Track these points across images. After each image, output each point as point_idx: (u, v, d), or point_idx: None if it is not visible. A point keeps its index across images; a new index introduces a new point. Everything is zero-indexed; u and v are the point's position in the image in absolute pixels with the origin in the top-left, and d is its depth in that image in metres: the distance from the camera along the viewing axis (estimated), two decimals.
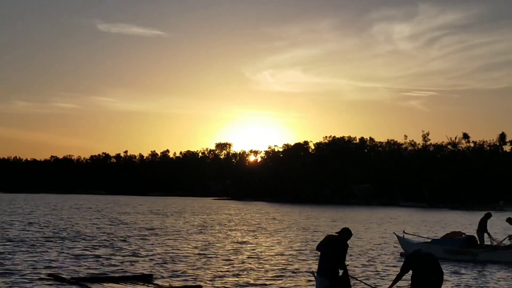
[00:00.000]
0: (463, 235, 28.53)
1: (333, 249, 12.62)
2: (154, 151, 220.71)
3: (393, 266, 24.45)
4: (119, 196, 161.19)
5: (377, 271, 22.84)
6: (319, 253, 12.96)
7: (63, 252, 25.71)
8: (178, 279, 19.24)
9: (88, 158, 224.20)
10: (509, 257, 26.34)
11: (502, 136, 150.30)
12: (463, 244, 27.50)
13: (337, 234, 12.92)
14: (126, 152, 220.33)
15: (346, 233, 12.85)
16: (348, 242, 12.88)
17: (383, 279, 20.60)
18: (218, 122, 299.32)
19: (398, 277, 12.35)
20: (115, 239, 32.70)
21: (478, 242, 27.98)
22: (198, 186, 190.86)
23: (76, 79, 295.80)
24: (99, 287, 16.93)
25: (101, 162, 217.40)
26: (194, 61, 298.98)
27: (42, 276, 18.91)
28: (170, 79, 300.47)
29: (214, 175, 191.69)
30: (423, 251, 12.47)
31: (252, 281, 18.87)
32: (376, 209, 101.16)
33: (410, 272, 12.07)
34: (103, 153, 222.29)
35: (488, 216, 28.72)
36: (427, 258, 12.16)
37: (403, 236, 30.22)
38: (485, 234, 28.33)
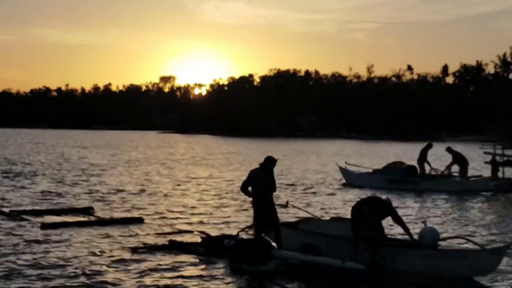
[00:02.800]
0: (404, 165, 29.03)
1: (265, 177, 12.54)
2: (96, 84, 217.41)
3: (336, 196, 24.79)
4: (61, 130, 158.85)
5: (319, 201, 23.12)
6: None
7: (3, 186, 25.25)
8: (119, 212, 19.11)
9: (28, 91, 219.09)
10: (448, 186, 26.98)
11: (445, 68, 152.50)
12: (404, 173, 27.99)
13: (260, 166, 12.76)
14: (67, 85, 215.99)
15: (270, 162, 12.72)
16: (275, 171, 12.84)
17: (324, 209, 20.86)
18: (162, 55, 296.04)
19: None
20: (57, 173, 32.25)
21: (419, 172, 28.52)
22: (142, 120, 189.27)
23: (12, 9, 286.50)
24: (40, 219, 16.76)
25: (41, 95, 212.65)
26: None
27: None
28: (112, 10, 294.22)
29: (159, 108, 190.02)
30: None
31: (194, 217, 18.86)
32: (320, 141, 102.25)
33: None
34: (43, 86, 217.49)
35: (429, 146, 29.20)
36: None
37: (345, 167, 30.61)
38: (426, 164, 28.88)
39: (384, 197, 12.91)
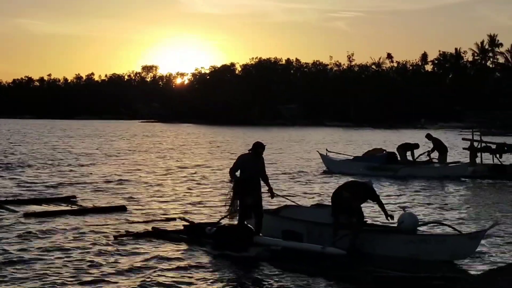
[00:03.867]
0: (384, 152, 29.30)
1: (255, 162, 12.70)
2: (79, 74, 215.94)
3: (317, 183, 25.01)
4: (44, 120, 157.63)
5: (300, 188, 23.32)
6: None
7: None
8: (102, 200, 19.17)
9: (10, 82, 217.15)
10: (428, 172, 27.27)
11: (424, 56, 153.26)
12: (384, 160, 28.25)
13: (250, 152, 12.91)
14: (49, 75, 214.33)
15: (259, 147, 12.82)
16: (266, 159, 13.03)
17: (305, 196, 21.05)
18: (144, 45, 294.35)
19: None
20: (41, 163, 32.15)
21: (399, 158, 28.78)
22: (125, 109, 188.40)
23: None
24: (22, 209, 16.76)
25: (24, 85, 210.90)
26: None
27: None
28: (89, 1, 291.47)
29: (141, 98, 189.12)
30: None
31: (177, 205, 18.97)
32: (302, 129, 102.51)
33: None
34: (25, 76, 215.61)
35: (416, 146, 29.00)
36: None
37: (326, 154, 30.83)
38: (406, 157, 28.97)
39: (365, 179, 13.16)
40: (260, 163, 12.78)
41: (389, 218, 12.42)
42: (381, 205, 12.50)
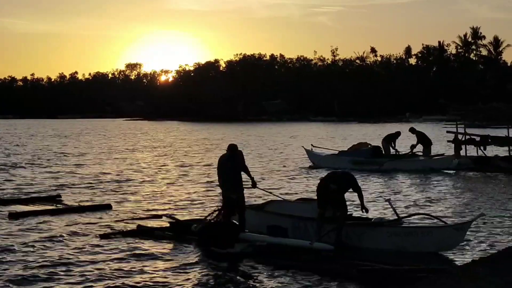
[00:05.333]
0: (369, 146, 29.39)
1: (231, 163, 12.77)
2: (62, 73, 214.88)
3: (302, 178, 25.04)
4: (29, 120, 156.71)
5: (285, 183, 23.35)
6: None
7: None
8: (88, 199, 19.09)
9: None
10: (412, 165, 27.38)
11: (408, 50, 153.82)
12: (369, 154, 28.33)
13: (229, 152, 12.95)
14: (33, 75, 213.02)
15: (233, 148, 12.88)
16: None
17: (291, 191, 21.08)
18: (128, 42, 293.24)
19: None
20: (26, 163, 31.96)
21: (384, 152, 28.89)
22: (110, 107, 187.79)
23: None
24: (7, 209, 16.68)
25: (7, 86, 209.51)
26: None
27: None
28: None
29: (126, 96, 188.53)
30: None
31: (163, 203, 18.94)
32: (287, 124, 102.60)
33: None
34: (9, 76, 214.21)
35: (398, 134, 29.47)
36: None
37: (312, 149, 30.87)
38: (391, 149, 29.15)
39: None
40: (236, 161, 12.78)
41: (364, 210, 12.40)
42: (360, 196, 12.43)
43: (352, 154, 28.53)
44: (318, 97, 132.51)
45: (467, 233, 12.26)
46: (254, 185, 13.10)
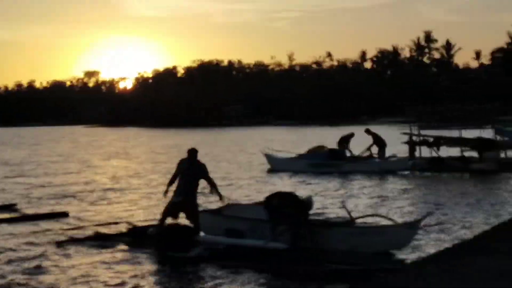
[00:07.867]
0: (326, 149, 29.70)
1: (199, 170, 12.92)
2: (20, 81, 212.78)
3: (260, 181, 25.23)
4: None
5: (243, 187, 23.48)
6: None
7: None
8: (44, 207, 18.95)
9: None
10: (369, 167, 27.80)
11: (363, 54, 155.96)
12: (327, 157, 28.65)
13: (189, 156, 13.10)
14: None
15: (193, 152, 13.06)
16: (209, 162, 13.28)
17: (249, 194, 21.22)
18: (85, 50, 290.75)
19: None
20: None
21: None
22: (69, 115, 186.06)
23: None
24: None
25: None
26: None
27: None
28: (33, 6, 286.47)
29: (85, 103, 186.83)
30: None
31: (120, 209, 18.91)
32: (247, 129, 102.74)
33: None
34: None
35: (351, 135, 29.91)
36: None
37: (270, 153, 31.08)
38: (347, 151, 29.51)
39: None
40: (196, 167, 12.93)
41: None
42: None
43: (310, 157, 28.83)
44: (278, 101, 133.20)
45: (418, 232, 12.56)
46: (220, 199, 13.27)
